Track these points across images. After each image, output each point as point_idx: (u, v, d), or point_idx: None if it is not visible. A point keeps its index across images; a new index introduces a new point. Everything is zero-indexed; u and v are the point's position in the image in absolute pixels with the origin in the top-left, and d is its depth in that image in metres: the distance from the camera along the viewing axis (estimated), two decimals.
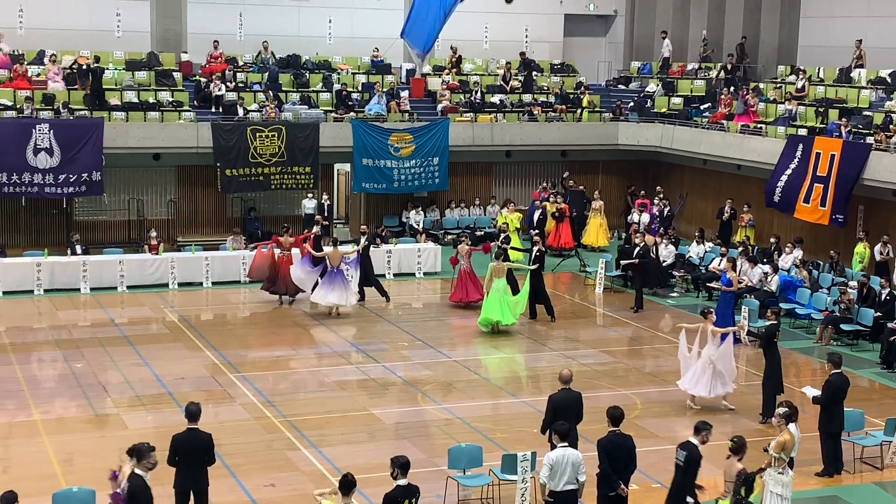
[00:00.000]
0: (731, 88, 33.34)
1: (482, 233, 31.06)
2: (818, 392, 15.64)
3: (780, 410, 13.69)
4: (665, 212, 31.14)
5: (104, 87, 30.44)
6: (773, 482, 13.17)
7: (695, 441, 12.62)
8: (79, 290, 26.01)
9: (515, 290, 23.87)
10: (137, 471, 11.48)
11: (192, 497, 12.70)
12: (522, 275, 24.46)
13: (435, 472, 15.02)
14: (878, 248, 25.44)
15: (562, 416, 13.51)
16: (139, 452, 11.52)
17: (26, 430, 16.97)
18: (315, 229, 26.17)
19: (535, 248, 24.53)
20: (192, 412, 12.74)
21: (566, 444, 12.47)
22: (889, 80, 30.30)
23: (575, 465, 12.34)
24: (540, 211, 31.28)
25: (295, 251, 25.37)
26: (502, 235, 27.25)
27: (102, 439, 16.69)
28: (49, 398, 18.63)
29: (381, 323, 24.20)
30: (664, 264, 27.57)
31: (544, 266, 25.13)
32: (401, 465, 11.45)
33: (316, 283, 24.65)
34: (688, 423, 17.79)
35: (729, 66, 34.26)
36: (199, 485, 12.69)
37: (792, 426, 13.70)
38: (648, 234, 27.76)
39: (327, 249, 25.20)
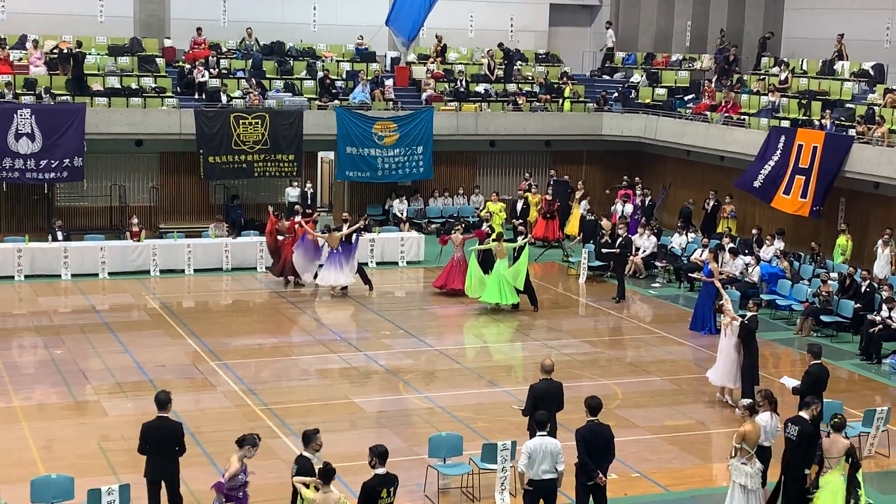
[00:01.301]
0: (716, 78, 33.43)
1: (464, 224, 30.97)
2: (797, 382, 15.71)
3: (744, 402, 13.80)
4: (647, 202, 31.21)
5: (87, 72, 30.30)
6: (737, 473, 13.24)
7: (805, 415, 13.28)
8: (60, 276, 25.91)
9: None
10: (306, 453, 11.87)
11: (163, 486, 12.67)
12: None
13: (415, 460, 15.04)
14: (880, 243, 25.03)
15: (542, 406, 13.54)
16: (305, 438, 12.00)
17: (6, 416, 16.90)
18: (299, 218, 26.17)
19: (522, 239, 24.55)
20: (161, 400, 12.68)
21: (545, 433, 12.52)
22: (872, 73, 30.40)
23: (553, 454, 12.39)
24: (523, 201, 31.28)
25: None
26: (484, 225, 27.25)
27: (82, 426, 16.65)
28: (29, 385, 18.55)
29: (364, 311, 24.19)
30: (644, 254, 27.67)
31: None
32: (378, 455, 11.46)
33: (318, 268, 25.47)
34: (669, 412, 17.91)
35: (732, 58, 34.22)
36: (170, 474, 12.64)
37: (766, 415, 13.79)
38: (606, 218, 28.56)
39: (322, 236, 25.56)
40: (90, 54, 31.18)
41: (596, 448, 12.59)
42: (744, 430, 13.24)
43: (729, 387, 18.12)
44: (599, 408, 12.78)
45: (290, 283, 25.90)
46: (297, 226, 25.63)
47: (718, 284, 20.42)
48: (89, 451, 15.58)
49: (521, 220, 29.62)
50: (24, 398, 17.77)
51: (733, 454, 13.31)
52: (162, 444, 12.50)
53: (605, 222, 27.98)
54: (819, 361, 15.72)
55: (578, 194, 32.23)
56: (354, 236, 25.34)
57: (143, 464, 12.76)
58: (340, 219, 27.00)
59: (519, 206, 31.28)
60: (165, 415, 12.62)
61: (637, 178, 32.55)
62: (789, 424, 13.37)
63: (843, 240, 26.08)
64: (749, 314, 17.99)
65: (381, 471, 11.42)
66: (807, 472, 13.24)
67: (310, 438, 11.98)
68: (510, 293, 23.87)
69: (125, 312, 23.55)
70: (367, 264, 27.37)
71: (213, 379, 18.95)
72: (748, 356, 17.78)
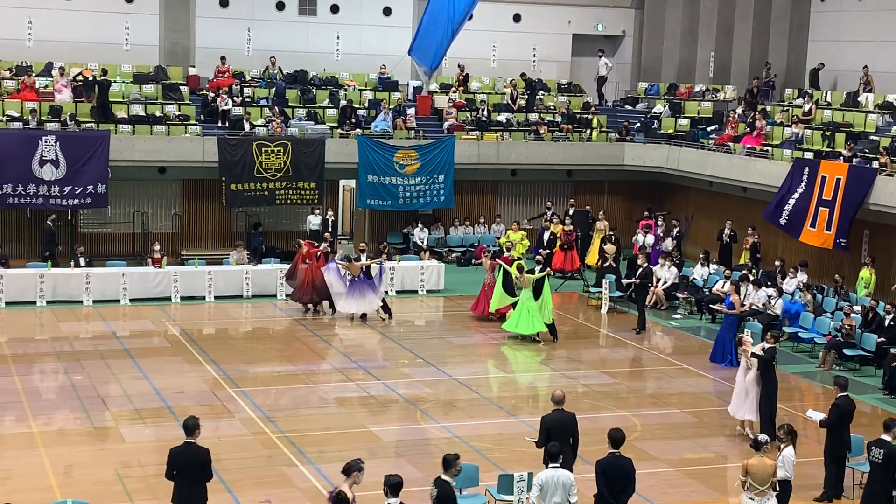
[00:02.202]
0: (743, 109, 33.34)
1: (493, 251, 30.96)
2: (823, 415, 15.58)
3: (760, 437, 13.69)
4: (675, 232, 30.99)
5: (111, 100, 30.53)
6: None
7: (887, 438, 13.47)
8: (81, 302, 26.01)
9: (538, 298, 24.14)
10: (445, 477, 11.87)
11: None
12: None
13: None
14: None
15: (555, 437, 13.44)
16: (446, 463, 11.95)
17: (24, 441, 16.93)
18: (323, 246, 26.29)
19: (539, 270, 24.51)
20: (189, 426, 12.66)
21: (557, 464, 12.42)
22: None
23: (566, 485, 12.27)
24: (549, 232, 31.16)
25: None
26: (507, 253, 27.19)
27: (100, 452, 16.64)
28: (48, 410, 18.59)
29: (383, 340, 24.16)
30: (665, 285, 27.57)
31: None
32: (391, 486, 11.37)
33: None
34: (689, 445, 17.76)
35: (756, 90, 34.07)
36: (196, 500, 12.56)
37: (789, 449, 13.67)
38: (610, 243, 29.28)
39: (343, 264, 25.59)
40: (115, 82, 31.42)
41: (615, 481, 12.46)
42: (746, 463, 13.18)
43: (749, 419, 17.96)
44: (622, 441, 12.67)
45: (310, 311, 25.92)
46: (319, 253, 25.73)
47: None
48: (107, 477, 15.56)
49: (547, 251, 29.58)
50: (44, 424, 17.79)
51: (743, 487, 13.22)
52: (188, 470, 12.45)
53: (608, 247, 28.69)
54: (846, 394, 15.60)
55: (600, 224, 32.12)
56: (378, 267, 25.40)
57: (160, 491, 12.75)
58: (358, 248, 26.97)
59: (546, 236, 31.13)
60: (193, 441, 12.59)
61: (659, 214, 32.25)
62: (873, 448, 13.57)
63: (866, 273, 25.87)
64: (767, 346, 17.82)
65: (393, 501, 11.34)
66: (894, 494, 13.49)
67: (450, 463, 11.94)
68: (533, 323, 23.85)
69: (145, 339, 23.60)
70: (387, 293, 27.36)
71: (232, 406, 18.93)
72: (766, 388, 17.62)
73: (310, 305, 25.99)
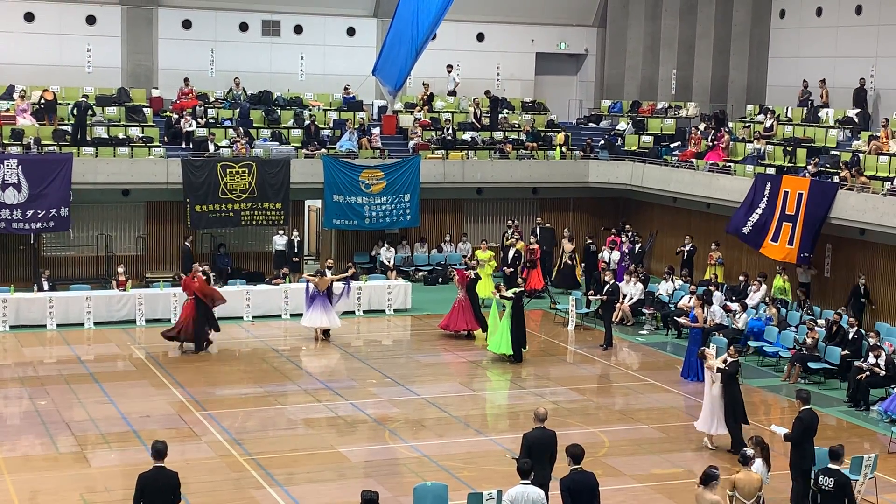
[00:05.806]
0: (703, 127, 33.57)
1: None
2: (786, 430, 15.66)
3: (748, 451, 13.72)
4: (637, 248, 31.15)
5: (74, 123, 30.28)
6: None
7: (835, 466, 13.21)
8: (45, 326, 25.78)
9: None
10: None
11: None
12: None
13: None
14: None
15: (535, 455, 13.42)
16: (707, 477, 12.34)
17: None
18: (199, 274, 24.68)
19: (511, 290, 24.57)
20: (158, 450, 12.57)
21: (527, 481, 12.42)
22: (856, 120, 30.59)
23: (536, 503, 12.27)
24: (514, 250, 31.15)
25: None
26: (472, 273, 27.17)
27: (66, 478, 16.47)
28: (12, 436, 18.38)
29: (351, 360, 24.10)
30: (631, 301, 27.69)
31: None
32: (367, 501, 11.36)
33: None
34: (656, 460, 17.81)
35: (720, 112, 34.20)
36: None
37: (758, 462, 13.73)
38: (569, 241, 31.01)
39: (313, 278, 25.50)
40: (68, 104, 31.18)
41: (581, 497, 12.46)
42: (733, 477, 13.20)
43: (720, 433, 18.07)
44: (582, 455, 12.70)
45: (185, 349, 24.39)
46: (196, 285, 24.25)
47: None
48: (72, 503, 15.40)
49: (511, 269, 29.60)
50: (8, 450, 17.59)
51: (730, 502, 13.24)
52: (158, 495, 12.33)
53: (566, 244, 30.38)
54: (808, 407, 15.68)
55: (566, 242, 32.05)
56: (344, 285, 25.43)
57: None
58: (325, 264, 26.84)
59: (511, 253, 31.09)
60: (162, 464, 12.49)
61: (627, 226, 32.49)
62: (822, 476, 13.24)
63: (779, 281, 26.64)
64: (730, 360, 17.91)
65: None
66: None
67: (711, 477, 12.35)
68: (506, 344, 23.84)
69: (110, 362, 23.41)
70: (353, 312, 27.34)
71: (198, 429, 18.80)
72: (729, 401, 17.71)
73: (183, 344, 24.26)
